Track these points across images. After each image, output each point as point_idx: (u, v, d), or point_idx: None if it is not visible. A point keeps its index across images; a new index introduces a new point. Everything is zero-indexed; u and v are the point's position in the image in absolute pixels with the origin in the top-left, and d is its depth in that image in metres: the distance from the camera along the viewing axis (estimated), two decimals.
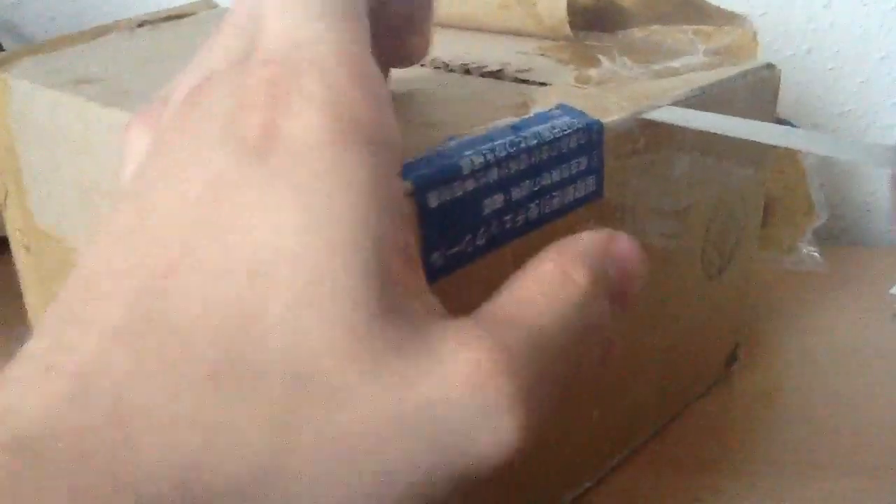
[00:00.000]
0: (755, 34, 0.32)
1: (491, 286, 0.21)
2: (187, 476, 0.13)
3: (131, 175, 0.17)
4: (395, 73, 0.22)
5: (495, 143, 0.21)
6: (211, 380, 0.13)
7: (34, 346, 0.14)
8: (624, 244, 0.18)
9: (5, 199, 0.31)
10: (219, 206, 0.14)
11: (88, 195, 0.27)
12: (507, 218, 0.21)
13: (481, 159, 0.20)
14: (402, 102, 0.24)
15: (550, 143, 0.22)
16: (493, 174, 0.20)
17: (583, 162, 0.23)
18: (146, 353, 0.13)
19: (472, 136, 0.21)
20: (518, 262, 0.22)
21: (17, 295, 0.34)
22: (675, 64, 0.29)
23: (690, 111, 0.25)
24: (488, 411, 0.15)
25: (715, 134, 0.27)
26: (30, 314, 0.34)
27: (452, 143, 0.20)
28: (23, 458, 0.12)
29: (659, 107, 0.25)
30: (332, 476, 0.14)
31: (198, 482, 0.13)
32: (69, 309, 0.14)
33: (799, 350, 0.37)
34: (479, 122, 0.22)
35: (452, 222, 0.20)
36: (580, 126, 0.22)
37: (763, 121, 0.31)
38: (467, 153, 0.20)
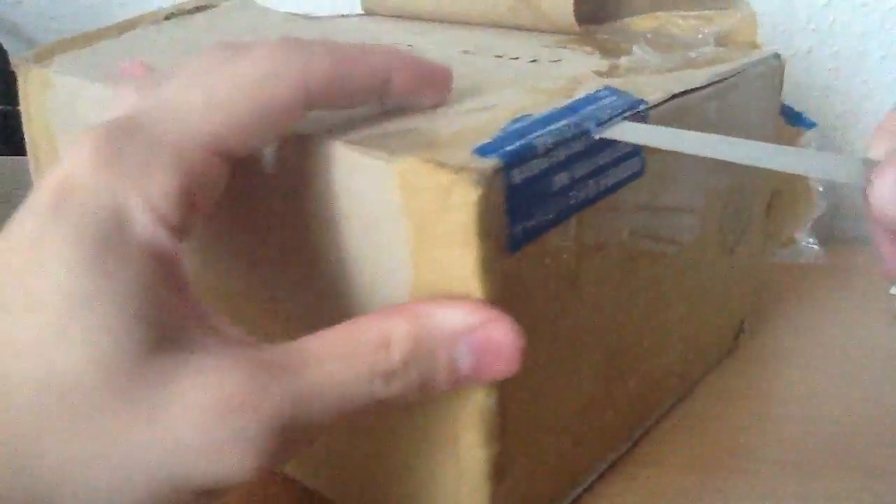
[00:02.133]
0: (754, 17, 0.34)
1: (558, 256, 0.23)
2: None
3: None
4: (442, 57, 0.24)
5: (559, 124, 0.22)
6: None
7: None
8: (500, 335, 0.19)
9: None
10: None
11: None
12: (571, 194, 0.22)
13: (552, 139, 0.21)
14: (456, 87, 0.25)
15: (604, 123, 0.23)
16: (561, 153, 0.22)
17: (629, 144, 0.24)
18: None
19: (536, 117, 0.22)
20: (578, 236, 0.24)
21: None
22: (692, 54, 0.31)
23: (649, 127, 0.24)
24: (225, 449, 0.16)
25: (733, 118, 0.30)
26: None
27: (519, 125, 0.22)
28: None
29: (623, 120, 0.23)
30: (74, 489, 0.16)
31: None
32: None
33: (798, 350, 0.37)
34: (534, 104, 0.23)
35: (530, 197, 0.21)
36: (628, 106, 0.24)
37: (770, 106, 0.33)
38: (537, 134, 0.21)
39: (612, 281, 0.26)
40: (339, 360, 0.18)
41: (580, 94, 0.24)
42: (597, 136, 0.23)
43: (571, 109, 0.23)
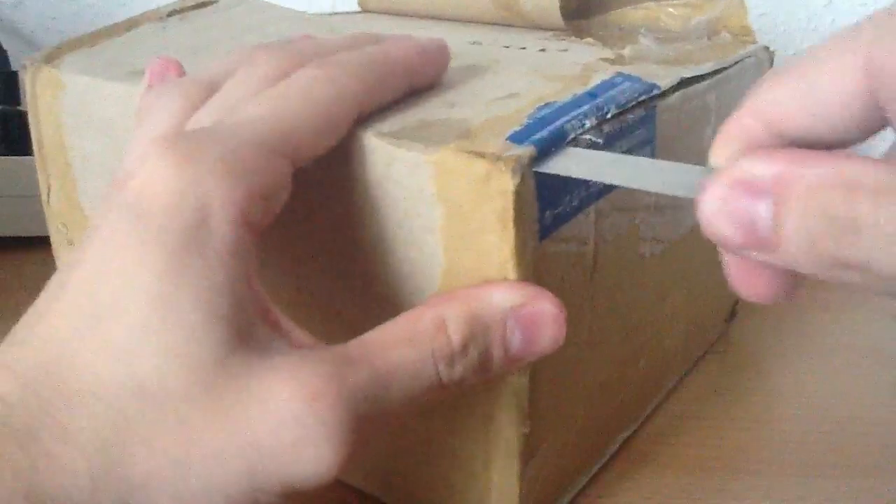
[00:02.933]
0: (742, 1, 0.35)
1: (579, 244, 0.24)
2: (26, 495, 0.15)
3: None
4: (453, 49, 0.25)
5: (582, 109, 0.23)
6: (43, 402, 0.16)
7: None
8: (545, 308, 0.20)
9: (48, 195, 0.31)
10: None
11: None
12: (591, 182, 0.23)
13: (579, 126, 0.22)
14: (476, 76, 0.26)
15: (622, 106, 0.24)
16: (585, 141, 0.22)
17: (643, 133, 0.25)
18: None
19: (560, 103, 0.23)
20: (597, 225, 0.24)
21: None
22: (689, 46, 0.32)
23: (591, 153, 0.22)
24: (307, 441, 0.17)
25: (728, 105, 0.31)
26: None
27: (546, 112, 0.22)
28: None
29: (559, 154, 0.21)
30: (159, 489, 0.16)
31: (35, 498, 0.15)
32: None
33: (798, 351, 0.37)
34: (555, 91, 0.24)
35: (558, 185, 0.22)
36: (644, 91, 0.25)
37: None
38: (563, 120, 0.22)
39: (624, 268, 0.27)
40: (402, 348, 0.18)
41: (596, 80, 0.25)
42: (543, 170, 0.21)
43: (592, 95, 0.24)
